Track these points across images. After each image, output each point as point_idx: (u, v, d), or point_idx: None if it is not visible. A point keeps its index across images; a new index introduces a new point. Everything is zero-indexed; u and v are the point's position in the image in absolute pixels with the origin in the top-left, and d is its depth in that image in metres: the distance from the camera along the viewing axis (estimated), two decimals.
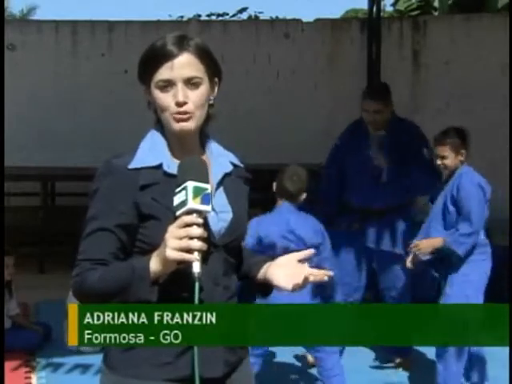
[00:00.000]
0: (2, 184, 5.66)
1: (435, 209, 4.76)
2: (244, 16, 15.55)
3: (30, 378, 5.31)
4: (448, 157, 4.72)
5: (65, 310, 6.27)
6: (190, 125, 2.15)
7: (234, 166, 2.30)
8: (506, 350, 5.34)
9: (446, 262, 4.72)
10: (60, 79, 10.65)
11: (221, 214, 2.19)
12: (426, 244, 4.66)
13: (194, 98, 2.14)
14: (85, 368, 5.34)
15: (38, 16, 26.50)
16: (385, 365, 5.56)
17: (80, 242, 2.16)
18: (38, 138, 10.36)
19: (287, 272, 2.21)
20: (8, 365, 4.98)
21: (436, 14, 15.58)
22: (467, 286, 4.61)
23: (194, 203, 2.02)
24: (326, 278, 2.20)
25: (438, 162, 4.77)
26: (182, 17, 14.96)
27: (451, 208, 4.65)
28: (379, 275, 5.54)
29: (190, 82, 2.13)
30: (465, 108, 11.10)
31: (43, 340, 5.89)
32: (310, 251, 2.26)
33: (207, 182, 2.07)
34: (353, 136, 5.55)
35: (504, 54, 9.72)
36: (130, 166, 2.14)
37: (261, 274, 2.30)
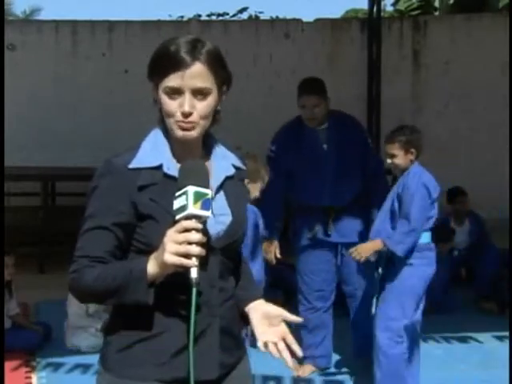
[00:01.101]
0: (2, 184, 5.66)
1: (384, 208, 4.70)
2: (244, 16, 15.58)
3: (30, 377, 5.31)
4: (397, 155, 4.63)
5: (65, 310, 6.28)
6: (193, 134, 2.15)
7: (237, 168, 2.29)
8: (506, 349, 5.37)
9: (386, 261, 4.68)
10: (60, 79, 10.65)
11: (219, 217, 2.18)
12: (365, 248, 4.60)
13: (201, 109, 2.13)
14: (85, 368, 5.33)
15: (39, 17, 26.51)
16: None
17: (78, 238, 2.17)
18: (37, 138, 10.37)
19: (265, 324, 2.24)
20: (8, 365, 4.98)
21: (436, 13, 15.60)
22: (403, 292, 4.56)
23: (194, 208, 2.00)
24: (289, 363, 2.20)
25: (388, 160, 4.62)
26: (182, 17, 14.97)
27: (397, 207, 4.61)
28: (344, 269, 5.31)
29: (199, 93, 2.12)
30: (465, 108, 11.11)
31: (43, 340, 5.88)
32: (298, 319, 2.25)
33: (208, 186, 2.06)
34: (291, 136, 5.27)
35: (504, 54, 9.72)
36: (130, 166, 2.13)
37: (245, 308, 2.32)
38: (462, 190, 8.17)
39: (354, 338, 5.39)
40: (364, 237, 5.18)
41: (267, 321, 2.25)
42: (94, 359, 5.02)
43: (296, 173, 5.24)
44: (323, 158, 5.18)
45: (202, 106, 2.13)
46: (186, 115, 2.11)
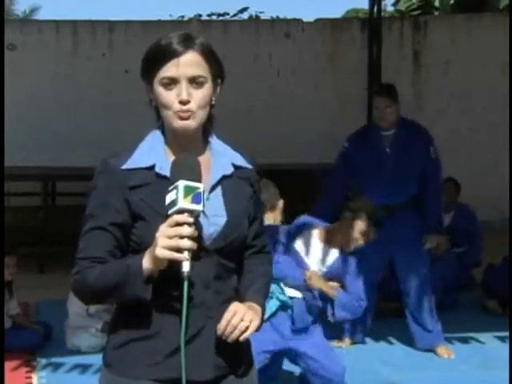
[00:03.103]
0: (2, 184, 5.66)
1: None
2: (245, 16, 15.56)
3: (30, 377, 5.30)
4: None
5: (65, 310, 6.27)
6: (191, 123, 2.14)
7: (237, 167, 2.26)
8: (506, 349, 5.36)
9: None
10: (60, 79, 10.65)
11: (213, 218, 2.16)
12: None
13: (198, 98, 2.13)
14: (85, 368, 5.33)
15: (38, 16, 26.52)
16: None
17: (79, 239, 2.18)
18: (37, 137, 10.36)
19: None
20: (8, 364, 4.98)
21: (437, 13, 15.59)
22: None
23: (184, 202, 2.02)
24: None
25: None
26: (182, 16, 14.96)
27: None
28: (398, 267, 5.88)
29: (195, 81, 2.13)
30: (465, 108, 11.11)
31: (43, 340, 5.88)
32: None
33: (199, 180, 2.06)
34: (362, 138, 5.90)
35: (504, 54, 9.73)
36: (124, 167, 2.15)
37: None
38: (452, 179, 8.20)
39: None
40: (414, 236, 5.70)
41: None
42: (94, 359, 5.05)
43: (360, 170, 5.79)
44: (384, 160, 5.73)
45: (199, 95, 2.13)
46: (185, 103, 2.11)
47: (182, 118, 2.13)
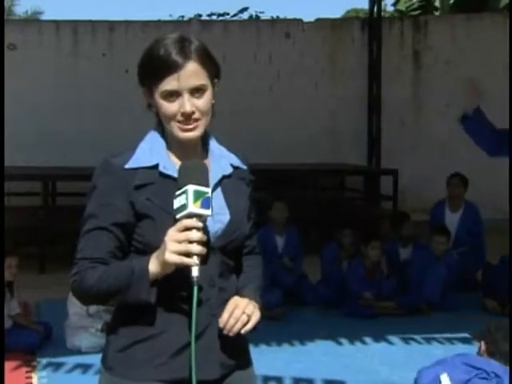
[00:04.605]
0: (2, 184, 5.66)
1: None
2: (245, 16, 15.57)
3: (30, 377, 5.31)
4: None
5: (65, 310, 6.27)
6: (196, 133, 2.16)
7: (235, 168, 2.28)
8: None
9: None
10: (60, 79, 10.65)
11: (217, 216, 2.17)
12: None
13: (201, 106, 2.14)
14: (85, 368, 5.33)
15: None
16: None
17: (78, 239, 2.17)
18: (38, 137, 10.37)
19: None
20: (9, 364, 4.98)
21: (437, 13, 15.60)
22: None
23: (194, 207, 2.01)
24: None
25: None
26: (182, 17, 15.00)
27: None
28: None
29: (196, 91, 2.13)
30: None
31: (44, 340, 5.89)
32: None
33: (208, 185, 2.07)
34: None
35: (504, 54, 9.72)
36: (127, 166, 2.15)
37: None
38: (459, 173, 8.26)
39: None
40: None
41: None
42: (94, 359, 5.05)
43: None
44: None
45: (202, 103, 2.13)
46: (189, 115, 2.11)
47: (185, 130, 2.13)
